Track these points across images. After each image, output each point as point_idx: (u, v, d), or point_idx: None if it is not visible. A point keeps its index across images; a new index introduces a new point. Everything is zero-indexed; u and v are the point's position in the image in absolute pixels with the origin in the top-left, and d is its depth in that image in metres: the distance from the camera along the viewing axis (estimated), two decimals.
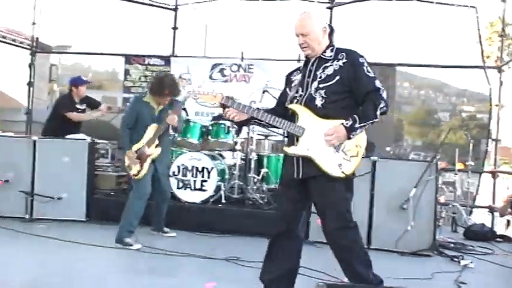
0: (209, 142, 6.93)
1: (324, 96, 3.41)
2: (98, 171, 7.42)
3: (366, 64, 3.46)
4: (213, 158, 6.66)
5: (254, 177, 6.78)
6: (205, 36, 20.96)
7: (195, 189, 6.50)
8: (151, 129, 5.51)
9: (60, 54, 14.01)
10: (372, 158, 5.86)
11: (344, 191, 3.43)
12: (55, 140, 6.75)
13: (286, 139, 3.96)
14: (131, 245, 5.26)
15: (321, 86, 3.42)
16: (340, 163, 3.38)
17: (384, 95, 3.44)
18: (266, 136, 7.21)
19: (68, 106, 7.14)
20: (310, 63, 3.52)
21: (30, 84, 9.29)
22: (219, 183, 6.52)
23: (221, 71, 8.73)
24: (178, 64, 8.80)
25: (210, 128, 6.91)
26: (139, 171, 5.46)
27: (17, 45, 11.49)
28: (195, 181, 6.52)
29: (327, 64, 3.46)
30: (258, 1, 8.57)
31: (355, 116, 3.37)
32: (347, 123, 3.35)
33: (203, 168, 6.49)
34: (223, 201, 6.53)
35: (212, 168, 6.47)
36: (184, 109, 6.70)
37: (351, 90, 3.43)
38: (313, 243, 5.54)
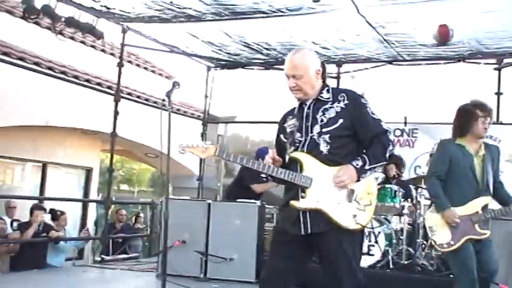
0: (377, 206, 6.86)
1: (329, 141, 3.12)
2: (265, 234, 7.65)
3: (368, 105, 3.21)
4: (379, 222, 6.59)
5: (422, 243, 6.56)
6: None
7: (362, 253, 6.43)
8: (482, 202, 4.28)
9: (227, 124, 14.80)
10: None
11: (359, 247, 3.20)
12: (228, 203, 7.15)
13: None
14: None
15: (324, 130, 3.13)
16: (355, 214, 3.07)
17: (392, 136, 3.19)
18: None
19: (253, 178, 7.46)
20: (307, 107, 3.23)
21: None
22: (387, 248, 6.40)
23: None
24: None
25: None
26: (449, 244, 4.25)
27: (189, 116, 12.47)
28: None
29: (326, 106, 3.18)
30: (421, 65, 8.54)
31: (364, 156, 3.11)
32: (357, 164, 3.08)
33: (369, 232, 6.43)
34: (391, 266, 6.37)
35: (379, 232, 6.39)
36: None
37: (355, 133, 3.17)
38: None
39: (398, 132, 8.63)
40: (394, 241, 6.56)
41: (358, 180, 3.10)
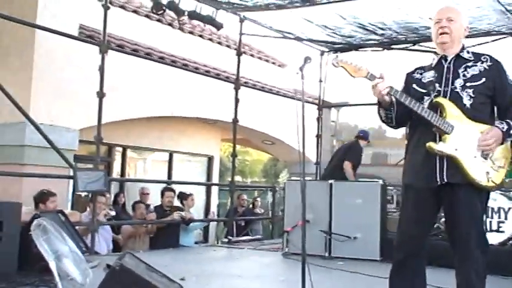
0: (503, 182, 6.63)
1: (472, 96, 3.10)
2: (388, 214, 7.66)
3: (507, 72, 3.21)
4: (509, 198, 6.38)
5: None
6: None
7: (491, 230, 6.26)
8: None
9: (339, 110, 14.82)
10: None
11: (485, 206, 3.15)
12: (349, 182, 7.26)
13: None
14: None
15: (468, 84, 3.12)
16: (488, 171, 3.03)
17: None
18: None
19: (357, 157, 7.67)
20: (447, 62, 3.21)
21: (319, 136, 10.14)
22: None
23: None
24: None
25: None
26: None
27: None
28: (491, 222, 6.29)
29: (469, 64, 3.17)
30: None
31: (508, 121, 3.12)
32: (503, 127, 3.07)
33: (499, 208, 6.25)
34: None
35: (509, 208, 6.19)
36: None
37: (493, 95, 3.16)
38: None
39: None
40: None
41: (502, 143, 3.13)
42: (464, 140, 3.08)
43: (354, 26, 8.39)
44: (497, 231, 6.24)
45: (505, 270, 5.84)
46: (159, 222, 7.68)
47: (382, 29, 8.42)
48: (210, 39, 11.36)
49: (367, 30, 8.51)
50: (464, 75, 3.15)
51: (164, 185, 8.92)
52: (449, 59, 3.23)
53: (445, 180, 3.08)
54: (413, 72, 3.39)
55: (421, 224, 3.22)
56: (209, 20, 7.74)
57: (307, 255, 6.28)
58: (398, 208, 8.42)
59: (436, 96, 3.16)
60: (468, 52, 3.26)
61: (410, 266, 3.22)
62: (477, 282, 3.08)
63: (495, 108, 3.26)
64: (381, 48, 9.36)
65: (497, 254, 6.14)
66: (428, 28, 8.25)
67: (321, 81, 10.09)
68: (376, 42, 9.16)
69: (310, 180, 7.58)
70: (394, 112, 3.26)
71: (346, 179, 7.61)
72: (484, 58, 3.21)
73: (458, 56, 3.22)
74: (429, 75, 3.23)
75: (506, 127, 3.11)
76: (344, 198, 7.00)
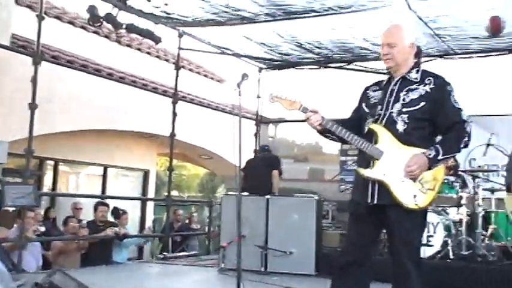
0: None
1: (407, 121, 3.21)
2: (323, 229, 7.78)
3: (453, 93, 3.26)
4: (437, 213, 6.63)
5: (482, 234, 6.55)
6: None
7: (421, 244, 6.47)
8: None
9: (276, 126, 14.92)
10: None
11: (418, 224, 3.28)
12: (285, 197, 7.32)
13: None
14: None
15: (404, 110, 3.23)
16: (415, 194, 3.16)
17: (469, 128, 3.21)
18: (492, 191, 6.97)
19: (281, 166, 7.90)
20: (393, 83, 3.34)
21: (256, 152, 10.20)
22: (446, 238, 6.43)
23: None
24: None
25: None
26: None
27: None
28: None
29: (412, 87, 3.26)
30: (472, 58, 8.52)
31: (437, 146, 3.18)
32: (429, 154, 3.16)
33: (428, 223, 6.46)
34: (451, 256, 6.39)
35: (438, 223, 6.43)
36: None
37: (434, 118, 3.24)
38: None
39: None
40: (453, 232, 6.58)
41: (429, 169, 3.18)
42: (393, 165, 3.21)
43: (292, 45, 8.55)
44: (427, 245, 6.43)
45: (434, 284, 6.02)
46: (91, 238, 7.48)
47: (318, 47, 8.62)
48: (149, 53, 11.29)
49: (304, 48, 8.69)
50: (403, 100, 3.25)
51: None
52: (395, 80, 3.33)
53: (375, 202, 3.25)
54: (368, 88, 3.52)
55: (362, 236, 3.35)
56: (148, 34, 7.67)
57: (243, 271, 6.30)
58: (334, 223, 8.60)
59: (376, 120, 3.30)
60: (418, 71, 3.32)
61: (352, 274, 3.33)
62: None
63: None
64: (317, 66, 9.57)
65: (428, 268, 6.35)
66: (363, 48, 8.60)
67: (258, 97, 10.20)
68: (312, 60, 9.36)
69: (246, 195, 7.59)
70: (334, 136, 3.42)
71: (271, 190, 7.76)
72: (428, 80, 3.27)
73: (404, 78, 3.31)
74: (377, 96, 3.39)
75: (433, 153, 3.16)
76: (280, 213, 7.04)
